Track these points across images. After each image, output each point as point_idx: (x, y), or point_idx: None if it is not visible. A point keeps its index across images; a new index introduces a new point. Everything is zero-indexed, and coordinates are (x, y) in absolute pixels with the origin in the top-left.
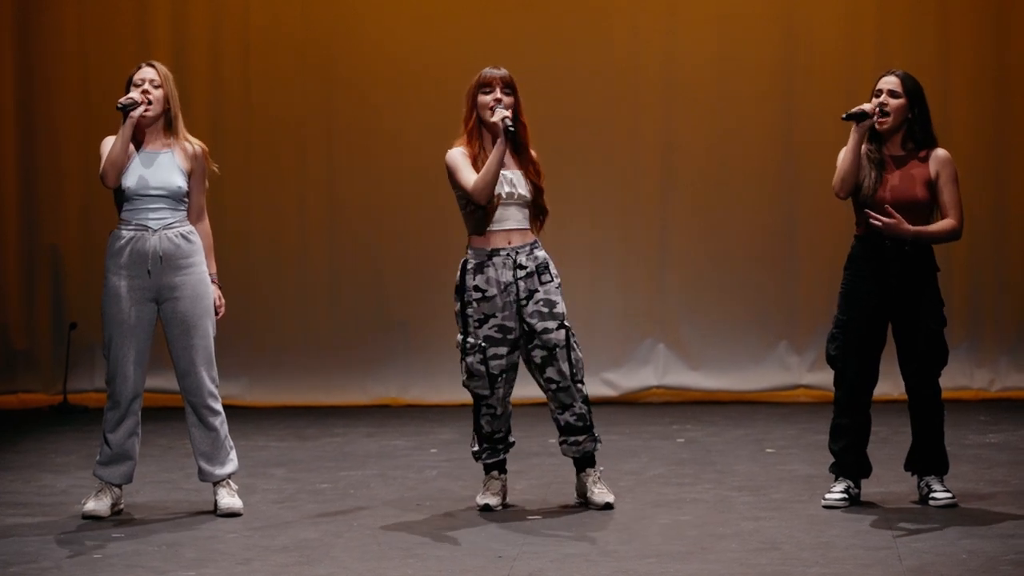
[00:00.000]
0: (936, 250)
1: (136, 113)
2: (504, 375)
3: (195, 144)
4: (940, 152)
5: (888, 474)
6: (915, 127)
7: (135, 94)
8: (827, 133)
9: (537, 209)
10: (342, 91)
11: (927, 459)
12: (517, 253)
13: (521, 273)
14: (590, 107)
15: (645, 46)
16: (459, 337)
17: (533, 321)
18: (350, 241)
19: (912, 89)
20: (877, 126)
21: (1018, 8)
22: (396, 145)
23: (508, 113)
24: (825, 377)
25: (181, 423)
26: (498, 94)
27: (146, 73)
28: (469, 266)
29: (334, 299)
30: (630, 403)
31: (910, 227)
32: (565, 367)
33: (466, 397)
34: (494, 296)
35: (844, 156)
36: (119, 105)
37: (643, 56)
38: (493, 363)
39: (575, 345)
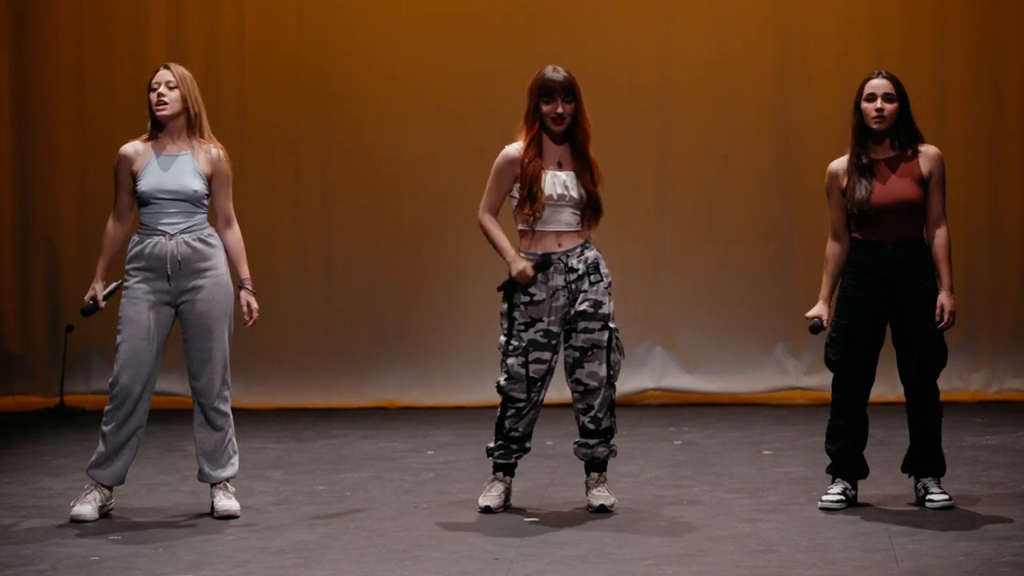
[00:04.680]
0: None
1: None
2: (544, 380)
3: (217, 148)
4: (931, 150)
5: (885, 476)
6: (900, 127)
7: (94, 294)
8: (823, 136)
9: (591, 210)
10: (337, 102)
11: (924, 461)
12: (568, 256)
13: (572, 276)
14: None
15: (641, 52)
16: (502, 339)
17: (578, 320)
18: (346, 245)
19: (902, 90)
20: (875, 125)
21: (1013, 11)
22: (391, 153)
23: (527, 270)
24: (822, 379)
25: (179, 425)
26: (559, 107)
27: (161, 76)
28: None
29: (331, 302)
30: (627, 405)
31: (948, 296)
32: (601, 368)
33: (462, 399)
34: (542, 300)
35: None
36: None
37: (639, 62)
38: (534, 367)
39: (616, 348)
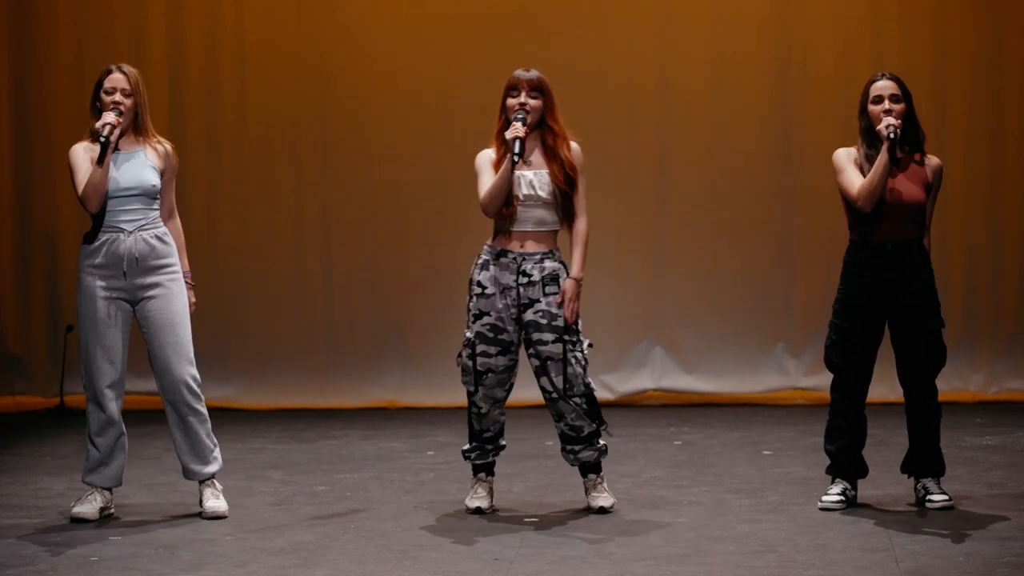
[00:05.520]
0: (933, 252)
1: (115, 137)
2: (491, 375)
3: (165, 144)
4: (935, 160)
5: (885, 476)
6: (908, 128)
7: (110, 116)
8: (823, 136)
9: (565, 212)
10: (337, 103)
11: (924, 461)
12: (524, 259)
13: (523, 280)
14: (586, 113)
15: (641, 52)
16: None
17: (530, 331)
18: (346, 246)
19: (907, 91)
20: (894, 135)
21: (1013, 11)
22: (391, 154)
23: (520, 133)
24: (822, 379)
25: None
26: (523, 98)
27: (117, 81)
28: (479, 261)
29: (331, 303)
30: (627, 406)
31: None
32: (558, 380)
33: (462, 399)
34: (493, 295)
35: (878, 173)
36: (102, 137)
37: (639, 62)
38: (480, 360)
39: (573, 360)
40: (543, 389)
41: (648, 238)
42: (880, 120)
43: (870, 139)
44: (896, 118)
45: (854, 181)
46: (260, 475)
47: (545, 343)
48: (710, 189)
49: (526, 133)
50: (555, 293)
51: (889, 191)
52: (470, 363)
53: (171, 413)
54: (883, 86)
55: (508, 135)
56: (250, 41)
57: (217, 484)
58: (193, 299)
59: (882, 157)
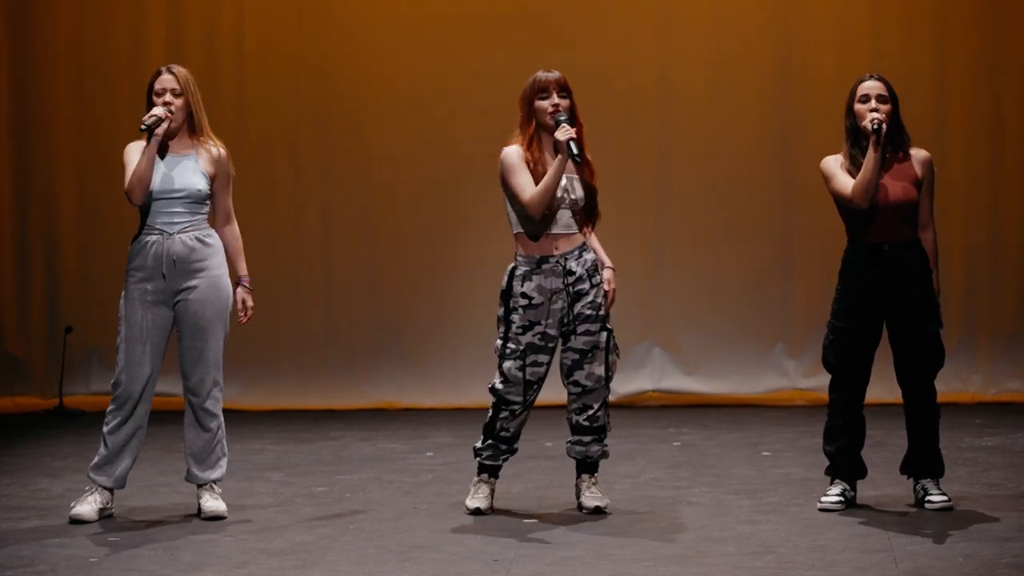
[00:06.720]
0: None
1: (161, 130)
2: (540, 383)
3: (219, 147)
4: (922, 153)
5: (884, 477)
6: (893, 129)
7: (159, 110)
8: (823, 136)
9: (589, 212)
10: (337, 103)
11: (923, 462)
12: (566, 259)
13: (571, 279)
14: (586, 113)
15: (641, 52)
16: (498, 342)
17: (578, 323)
18: (346, 246)
19: (893, 93)
20: (878, 125)
21: (1013, 11)
22: (391, 154)
23: (572, 133)
24: (821, 380)
25: (178, 427)
26: (555, 99)
27: (166, 82)
28: (518, 272)
29: (330, 303)
30: (626, 407)
31: (935, 288)
32: (599, 370)
33: (461, 400)
34: (541, 304)
35: (870, 168)
36: (143, 126)
37: (639, 62)
38: (531, 370)
39: (613, 347)
40: (575, 383)
41: (648, 238)
42: (885, 119)
43: (855, 137)
44: (886, 117)
45: (846, 183)
46: (259, 476)
47: (593, 333)
48: (710, 189)
49: (576, 132)
50: (599, 284)
51: (881, 193)
52: (520, 374)
53: (188, 413)
54: (871, 86)
55: (561, 136)
56: (250, 41)
57: (216, 487)
58: (251, 303)
59: (870, 151)
